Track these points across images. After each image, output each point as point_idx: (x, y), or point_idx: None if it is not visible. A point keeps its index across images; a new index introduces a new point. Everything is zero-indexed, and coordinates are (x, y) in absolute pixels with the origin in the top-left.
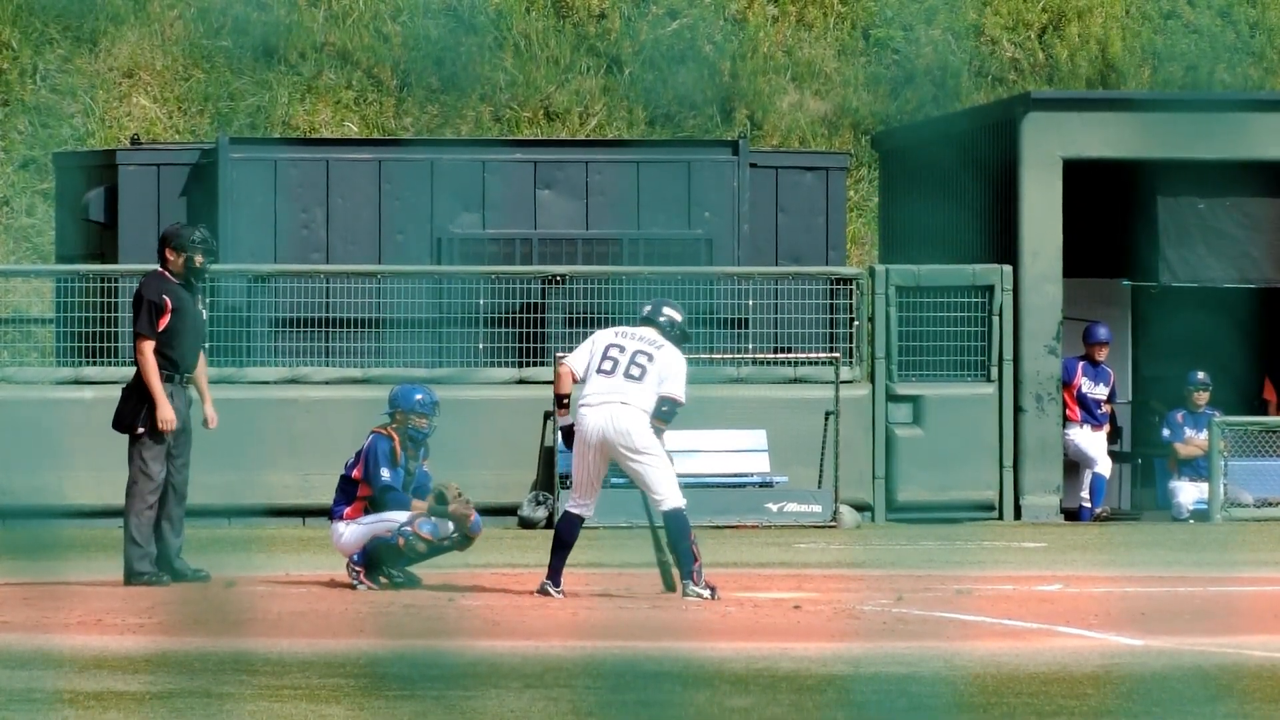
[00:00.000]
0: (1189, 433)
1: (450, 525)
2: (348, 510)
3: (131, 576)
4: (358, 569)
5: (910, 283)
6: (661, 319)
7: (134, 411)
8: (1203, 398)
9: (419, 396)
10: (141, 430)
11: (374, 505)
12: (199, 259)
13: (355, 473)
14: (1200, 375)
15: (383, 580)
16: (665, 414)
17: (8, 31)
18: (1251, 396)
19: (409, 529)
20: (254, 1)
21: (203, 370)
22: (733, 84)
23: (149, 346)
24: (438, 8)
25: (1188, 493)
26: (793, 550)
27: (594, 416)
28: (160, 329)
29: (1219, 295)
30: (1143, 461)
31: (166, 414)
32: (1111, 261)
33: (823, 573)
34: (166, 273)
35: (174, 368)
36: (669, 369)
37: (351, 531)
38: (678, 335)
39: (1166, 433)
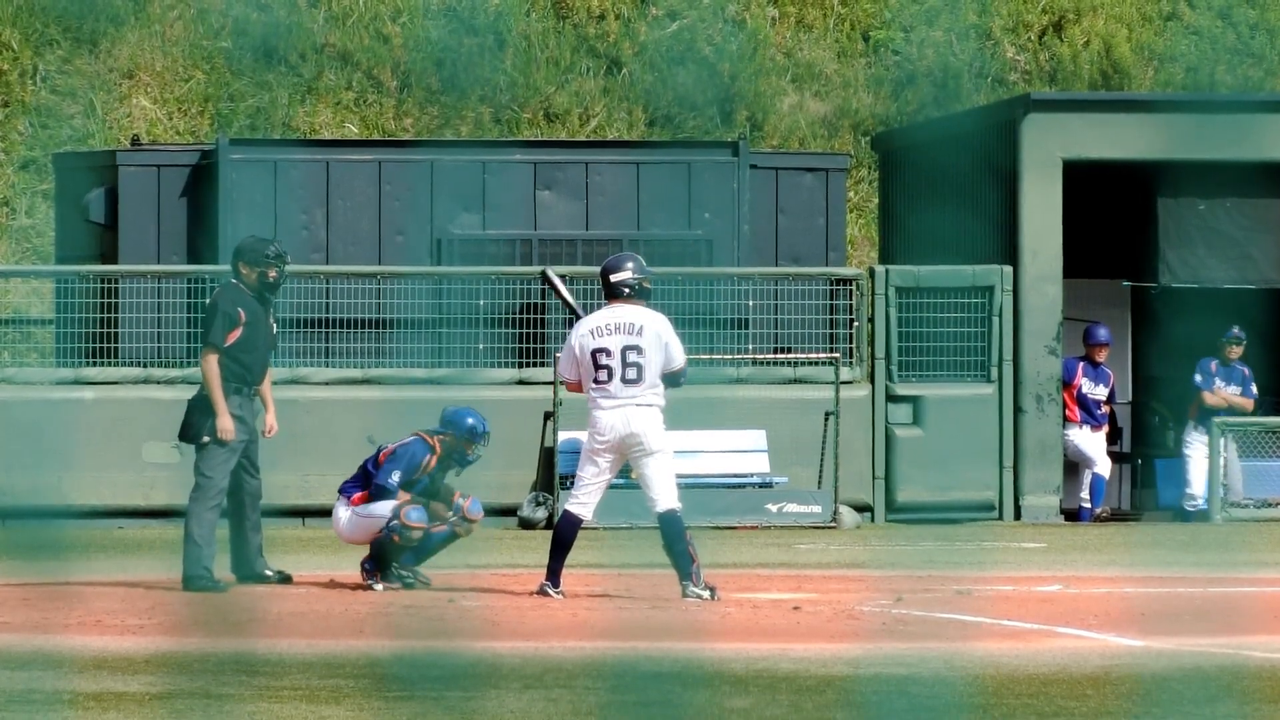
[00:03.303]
0: (1219, 384)
1: (448, 514)
2: (356, 495)
3: (189, 580)
4: (372, 573)
5: (910, 283)
6: (625, 290)
7: (200, 423)
8: (1236, 351)
9: (471, 422)
10: (207, 440)
11: (369, 490)
12: (273, 273)
13: (382, 456)
14: (1235, 330)
15: (396, 584)
16: (678, 385)
17: (8, 32)
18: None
19: (396, 522)
20: (254, 2)
21: (267, 381)
22: (732, 85)
23: (215, 357)
24: (438, 9)
25: (1198, 471)
26: (792, 551)
27: (608, 418)
28: (231, 342)
29: (1219, 296)
30: (1143, 462)
31: (226, 424)
32: (1111, 261)
33: (822, 573)
34: (241, 285)
35: (242, 380)
36: (661, 347)
37: (348, 520)
38: (646, 290)
39: (1199, 378)
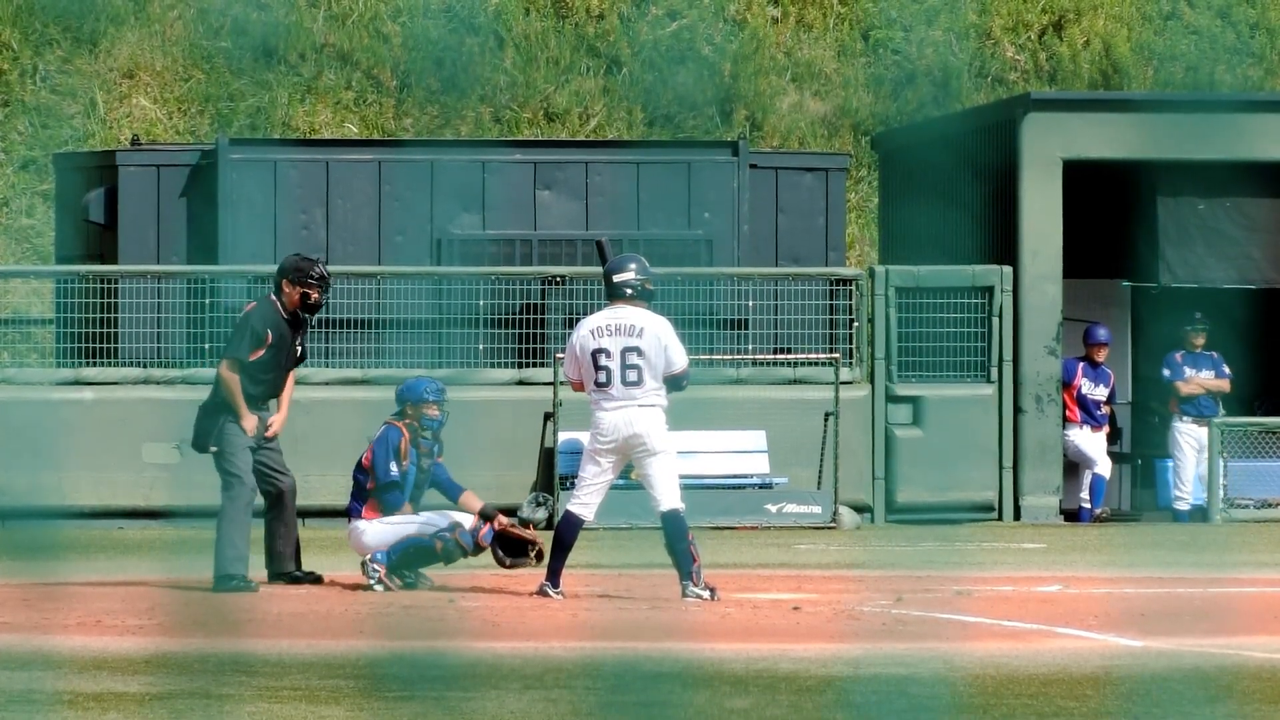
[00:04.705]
0: (1189, 371)
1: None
2: (365, 509)
3: (220, 581)
4: (378, 568)
5: (910, 283)
6: (627, 291)
7: (207, 431)
8: (1200, 339)
9: (421, 386)
10: (215, 448)
11: (375, 496)
12: (315, 295)
13: (365, 459)
14: (1198, 315)
15: (396, 580)
16: (681, 388)
17: (8, 31)
18: (1250, 396)
19: (449, 535)
20: (254, 2)
21: (288, 388)
22: (732, 85)
23: (234, 368)
24: (437, 8)
25: (1188, 468)
26: (792, 551)
27: (611, 420)
28: (253, 359)
29: (1219, 296)
30: (1142, 462)
31: (249, 423)
32: (1111, 261)
33: (822, 574)
34: (278, 303)
35: (253, 398)
36: (660, 350)
37: (375, 530)
38: (649, 292)
39: (1167, 372)
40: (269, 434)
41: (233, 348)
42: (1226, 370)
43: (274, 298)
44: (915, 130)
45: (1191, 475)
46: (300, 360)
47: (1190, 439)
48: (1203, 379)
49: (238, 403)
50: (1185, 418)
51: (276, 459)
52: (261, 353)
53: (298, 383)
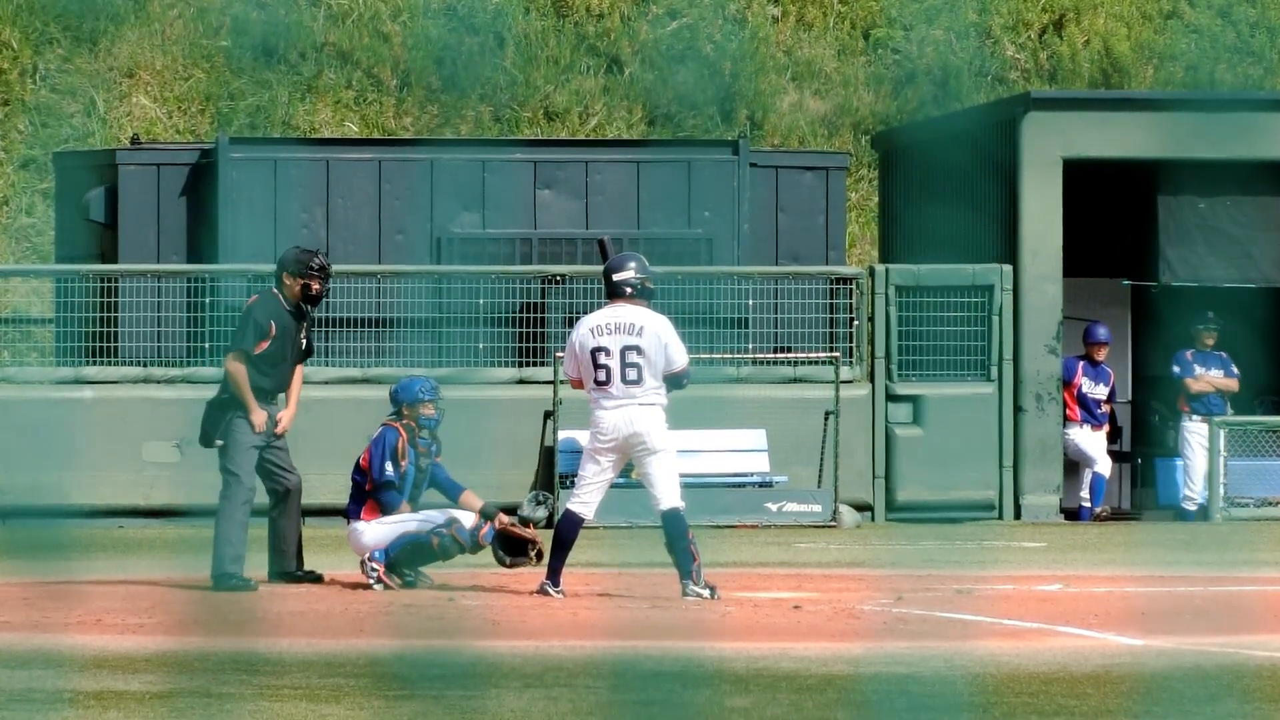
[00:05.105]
0: (1199, 369)
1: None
2: (364, 510)
3: (218, 580)
4: (376, 566)
5: (910, 282)
6: (627, 289)
7: (213, 426)
8: (1211, 338)
9: (416, 386)
10: (220, 442)
11: (373, 497)
12: (316, 286)
13: (362, 460)
14: (1210, 314)
15: (395, 579)
16: (681, 387)
17: (8, 31)
18: (1251, 395)
19: (446, 531)
20: (254, 1)
21: (297, 383)
22: (733, 84)
23: (241, 360)
24: (437, 8)
25: (1197, 467)
26: (793, 550)
27: (611, 418)
28: (258, 351)
29: (1219, 295)
30: (1142, 461)
31: (258, 417)
32: (1111, 261)
33: (823, 572)
34: (280, 295)
35: (262, 393)
36: (660, 348)
37: (374, 530)
38: (649, 290)
39: (1177, 369)
40: (278, 430)
41: (238, 340)
42: (1235, 370)
43: (275, 290)
44: (915, 129)
45: (1201, 474)
46: (308, 354)
47: (1200, 438)
48: (1212, 377)
49: (245, 395)
50: (1195, 416)
51: (284, 457)
52: (266, 345)
53: None
